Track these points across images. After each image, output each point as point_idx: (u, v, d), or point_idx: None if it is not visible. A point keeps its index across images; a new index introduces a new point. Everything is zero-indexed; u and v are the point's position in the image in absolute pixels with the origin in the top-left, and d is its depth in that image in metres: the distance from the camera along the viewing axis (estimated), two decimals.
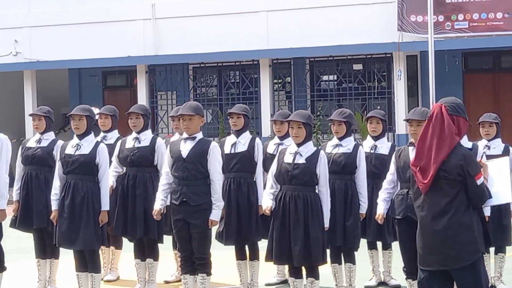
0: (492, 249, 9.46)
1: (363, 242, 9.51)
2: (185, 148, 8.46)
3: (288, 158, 8.22)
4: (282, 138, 9.75)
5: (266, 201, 8.31)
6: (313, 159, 8.17)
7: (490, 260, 9.65)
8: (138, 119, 9.69)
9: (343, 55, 23.30)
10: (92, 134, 8.98)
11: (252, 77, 24.46)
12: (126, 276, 10.63)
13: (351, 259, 9.16)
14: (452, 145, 5.97)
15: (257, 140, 9.45)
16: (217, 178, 8.45)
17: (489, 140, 9.52)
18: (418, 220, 6.12)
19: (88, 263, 8.81)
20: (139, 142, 9.61)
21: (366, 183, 9.09)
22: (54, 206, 8.85)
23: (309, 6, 23.15)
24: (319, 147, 8.57)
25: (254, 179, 9.35)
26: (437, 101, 22.21)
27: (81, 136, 8.87)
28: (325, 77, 24.33)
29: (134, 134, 9.68)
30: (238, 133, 9.44)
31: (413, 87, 23.41)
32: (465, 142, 8.80)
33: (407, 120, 8.17)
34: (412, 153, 8.06)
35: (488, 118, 9.59)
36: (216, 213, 8.43)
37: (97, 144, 8.89)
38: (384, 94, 23.28)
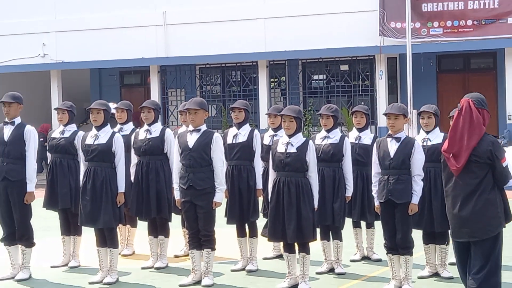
0: None
1: (349, 222, 9.50)
2: (191, 139, 8.46)
3: (281, 148, 8.21)
4: (275, 130, 9.73)
5: None
6: (303, 148, 8.15)
7: None
8: (150, 112, 9.67)
9: (331, 57, 23.30)
10: (109, 126, 8.96)
11: (252, 76, 24.44)
12: (140, 251, 10.62)
13: (338, 236, 9.15)
14: (481, 134, 6.13)
15: (256, 132, 9.43)
16: (219, 165, 8.45)
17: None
18: (450, 199, 6.24)
19: (107, 239, 8.80)
20: (150, 134, 9.60)
21: (352, 170, 9.08)
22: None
23: (301, 14, 23.12)
24: (309, 138, 8.54)
25: (253, 166, 9.33)
26: (414, 98, 22.23)
27: (99, 128, 8.85)
28: (315, 77, 24.32)
29: (145, 127, 9.66)
30: (239, 125, 9.42)
31: (393, 85, 23.41)
32: (437, 133, 8.80)
33: (385, 114, 8.13)
34: (390, 143, 8.06)
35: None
36: (219, 196, 8.45)
37: (113, 134, 8.87)
38: (368, 92, 23.29)
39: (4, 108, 9.02)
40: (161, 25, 24.51)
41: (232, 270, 9.36)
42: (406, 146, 8.02)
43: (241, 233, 9.44)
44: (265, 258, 9.99)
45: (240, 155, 9.30)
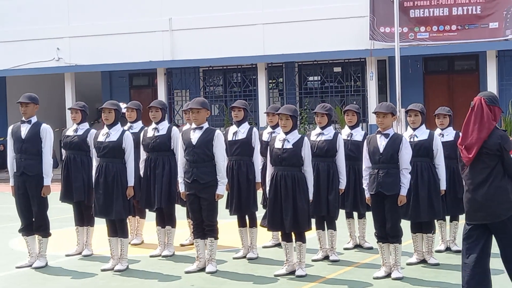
0: (448, 217, 9.46)
1: (342, 212, 9.50)
2: (194, 136, 8.46)
3: (278, 144, 8.21)
4: (273, 127, 9.72)
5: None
6: (298, 144, 8.15)
7: (446, 227, 9.65)
8: (157, 112, 9.67)
9: (325, 60, 23.28)
10: (119, 124, 8.96)
11: (251, 78, 24.41)
12: (149, 240, 10.62)
13: (332, 226, 9.15)
14: (490, 128, 6.24)
15: (254, 129, 9.42)
16: (221, 160, 8.45)
17: (442, 129, 9.45)
18: (466, 186, 6.36)
19: (118, 229, 8.80)
20: (158, 131, 9.60)
21: (344, 164, 9.08)
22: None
23: (297, 20, 23.08)
24: (304, 135, 8.55)
25: (252, 161, 9.33)
26: (402, 97, 22.23)
27: (110, 126, 8.84)
28: (310, 78, 24.29)
29: (153, 125, 9.65)
30: (239, 123, 9.41)
31: (383, 86, 23.37)
32: (423, 130, 8.80)
33: (375, 113, 8.13)
34: (379, 139, 8.07)
35: (442, 111, 9.52)
36: (221, 188, 8.45)
37: (123, 132, 8.87)
38: (359, 92, 23.26)
39: (21, 108, 9.03)
40: (167, 31, 24.47)
41: (234, 258, 9.36)
42: (395, 142, 8.02)
43: (241, 224, 9.44)
44: (264, 247, 9.99)
45: (240, 151, 9.29)
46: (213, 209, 8.47)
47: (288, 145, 8.14)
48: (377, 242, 8.19)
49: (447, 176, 8.90)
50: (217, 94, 25.14)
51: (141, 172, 9.63)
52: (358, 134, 9.61)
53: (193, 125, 8.59)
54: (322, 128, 9.07)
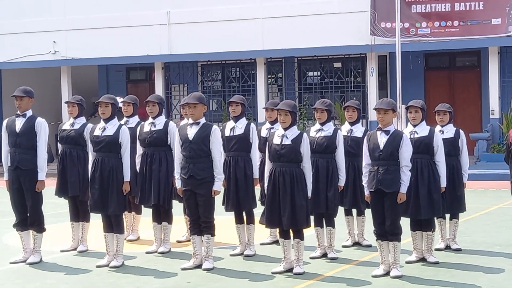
0: (447, 215, 9.45)
1: (341, 210, 9.50)
2: (191, 132, 8.45)
3: (276, 140, 8.20)
4: (272, 123, 9.70)
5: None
6: (297, 141, 8.14)
7: (446, 225, 9.64)
8: (154, 106, 9.66)
9: (325, 55, 23.26)
10: (116, 119, 8.95)
11: (250, 73, 24.40)
12: (145, 236, 10.61)
13: (331, 223, 9.14)
14: None
15: (252, 125, 9.41)
16: (217, 155, 8.44)
17: (442, 126, 9.43)
18: None
19: (113, 225, 8.79)
20: (155, 126, 9.59)
21: (344, 161, 9.07)
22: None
23: (297, 14, 23.06)
24: (303, 131, 8.53)
25: (250, 157, 9.32)
26: (403, 93, 22.20)
27: (106, 120, 8.83)
28: (310, 73, 24.27)
29: (150, 120, 9.64)
30: (236, 118, 9.41)
31: (383, 82, 23.38)
32: (423, 127, 8.79)
33: (375, 109, 8.12)
34: (380, 136, 8.05)
35: (442, 107, 9.50)
36: (218, 184, 8.45)
37: (119, 126, 8.85)
38: (359, 88, 23.24)
39: (16, 101, 9.02)
40: (165, 24, 24.44)
41: (231, 255, 9.36)
42: (395, 138, 8.02)
43: (239, 220, 9.43)
44: (262, 244, 9.99)
45: (237, 146, 9.28)
46: (210, 205, 8.46)
47: (287, 141, 8.13)
48: (376, 240, 8.18)
49: (446, 173, 8.89)
50: (215, 89, 25.13)
51: (137, 168, 9.61)
52: (358, 131, 9.61)
53: (190, 120, 8.58)
54: (322, 124, 9.06)
